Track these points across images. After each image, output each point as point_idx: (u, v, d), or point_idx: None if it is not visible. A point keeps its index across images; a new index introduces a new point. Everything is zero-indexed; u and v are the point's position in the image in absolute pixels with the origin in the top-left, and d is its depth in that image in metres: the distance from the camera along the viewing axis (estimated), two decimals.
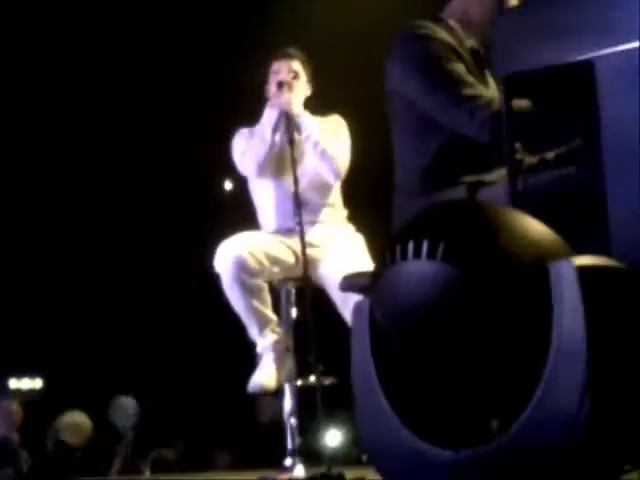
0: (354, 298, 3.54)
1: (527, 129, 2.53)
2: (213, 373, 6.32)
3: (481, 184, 2.59)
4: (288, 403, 4.01)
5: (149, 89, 6.62)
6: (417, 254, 1.86)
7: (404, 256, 1.90)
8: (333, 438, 4.93)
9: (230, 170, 4.46)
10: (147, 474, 6.22)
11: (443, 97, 2.73)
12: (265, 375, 3.91)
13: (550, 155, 2.68)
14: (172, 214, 6.74)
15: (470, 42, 2.94)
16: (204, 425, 6.55)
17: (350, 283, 2.76)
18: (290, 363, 3.96)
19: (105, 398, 6.48)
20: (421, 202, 2.57)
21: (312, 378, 3.95)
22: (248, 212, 4.31)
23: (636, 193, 1.98)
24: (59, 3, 6.27)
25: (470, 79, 2.74)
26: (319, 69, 4.21)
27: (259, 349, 3.94)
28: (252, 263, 3.82)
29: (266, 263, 3.88)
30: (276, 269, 3.94)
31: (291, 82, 4.05)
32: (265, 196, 4.16)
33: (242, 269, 3.82)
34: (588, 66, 2.16)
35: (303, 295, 3.90)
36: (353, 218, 4.20)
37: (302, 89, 4.11)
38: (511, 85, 2.34)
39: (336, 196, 4.17)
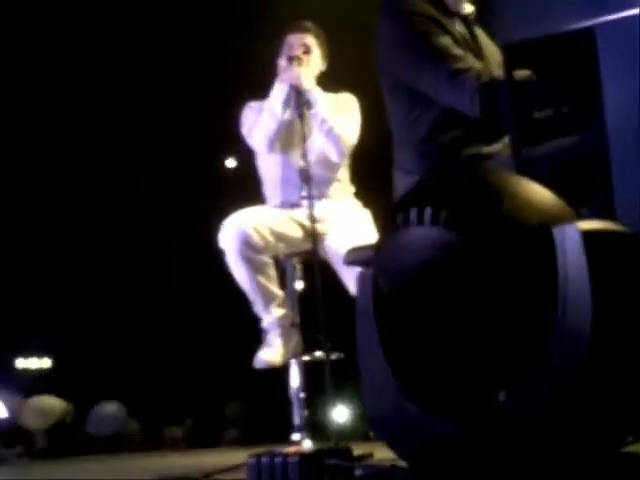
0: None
1: (528, 100, 2.51)
2: (220, 350, 6.32)
3: (481, 157, 2.59)
4: (295, 378, 4.02)
5: (155, 61, 6.60)
6: (420, 220, 1.86)
7: (407, 223, 1.89)
8: (340, 414, 4.93)
9: (234, 147, 4.46)
10: None
11: (431, 73, 2.71)
12: (271, 351, 3.91)
13: (565, 109, 2.64)
14: (176, 192, 6.74)
15: (457, 5, 2.89)
16: (212, 402, 6.57)
17: (354, 257, 2.76)
18: (296, 338, 3.97)
19: (113, 375, 6.52)
20: (419, 177, 2.57)
21: (318, 353, 3.96)
22: (252, 189, 4.31)
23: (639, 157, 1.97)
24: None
25: (457, 52, 2.71)
26: (334, 45, 4.20)
27: (265, 325, 3.94)
28: (257, 239, 3.82)
29: (271, 239, 3.88)
30: (281, 244, 3.94)
31: (302, 57, 4.02)
32: (272, 170, 4.15)
33: (247, 245, 3.82)
34: (589, 34, 2.15)
35: (309, 270, 3.90)
36: (360, 195, 4.19)
37: (314, 64, 4.09)
38: (512, 54, 2.32)
39: (343, 172, 4.17)
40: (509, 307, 1.81)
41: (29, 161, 6.78)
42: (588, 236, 1.78)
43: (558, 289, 1.77)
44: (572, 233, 1.79)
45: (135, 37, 6.50)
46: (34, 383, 6.71)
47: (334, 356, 3.98)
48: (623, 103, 2.10)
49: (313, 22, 4.16)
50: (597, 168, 2.13)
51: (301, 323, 4.00)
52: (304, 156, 3.87)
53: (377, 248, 2.07)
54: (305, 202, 3.97)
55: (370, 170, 4.21)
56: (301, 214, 3.93)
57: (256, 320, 3.96)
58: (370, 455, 3.31)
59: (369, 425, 5.18)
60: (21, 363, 6.92)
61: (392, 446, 2.09)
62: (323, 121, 4.00)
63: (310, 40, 4.09)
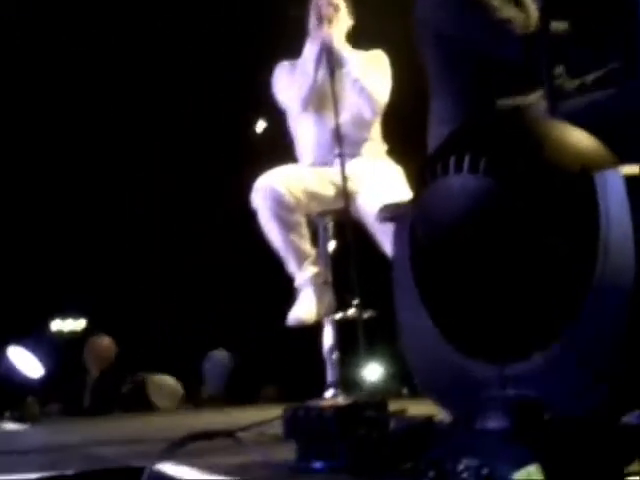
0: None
1: (566, 52, 2.49)
2: (254, 307, 6.37)
3: (517, 108, 2.57)
4: (328, 336, 4.04)
5: (184, 24, 6.59)
6: (459, 168, 1.85)
7: (445, 171, 1.88)
8: (373, 372, 4.96)
9: (265, 108, 4.44)
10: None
11: (479, 25, 2.68)
12: (304, 308, 3.93)
13: (589, 79, 2.64)
14: (208, 153, 6.75)
15: None
16: (249, 359, 6.62)
17: (388, 213, 2.75)
18: (329, 297, 3.98)
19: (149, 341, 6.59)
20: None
21: (351, 312, 3.97)
22: (283, 150, 4.31)
23: None
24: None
25: (496, 2, 2.70)
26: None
27: (298, 283, 3.95)
28: (289, 198, 3.83)
29: (303, 198, 3.89)
30: (314, 203, 3.95)
31: (332, 15, 4.03)
32: (305, 129, 4.15)
33: (279, 204, 3.83)
34: None
35: (342, 228, 3.91)
36: (393, 153, 4.18)
37: (343, 21, 4.09)
38: (550, 3, 2.30)
39: (376, 131, 4.15)
40: (549, 256, 1.80)
41: (56, 145, 6.80)
42: (631, 181, 1.76)
43: (600, 236, 1.76)
44: (614, 178, 1.77)
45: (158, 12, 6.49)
46: (68, 344, 6.79)
47: (367, 314, 4.00)
48: None
49: None
50: (635, 120, 2.11)
51: (334, 281, 4.01)
52: (337, 115, 3.87)
53: (414, 197, 2.06)
54: (337, 161, 3.98)
55: (402, 128, 4.19)
56: (333, 173, 3.93)
57: (290, 279, 3.97)
58: (404, 411, 3.32)
59: (406, 381, 5.23)
60: (56, 325, 6.99)
61: (436, 396, 2.10)
62: (355, 80, 4.01)
63: None
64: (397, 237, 2.16)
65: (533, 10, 2.83)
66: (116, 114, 6.78)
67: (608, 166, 1.81)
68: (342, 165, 3.80)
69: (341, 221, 3.96)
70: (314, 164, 4.07)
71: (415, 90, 3.02)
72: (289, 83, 4.09)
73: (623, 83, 2.36)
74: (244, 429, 3.07)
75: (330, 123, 3.95)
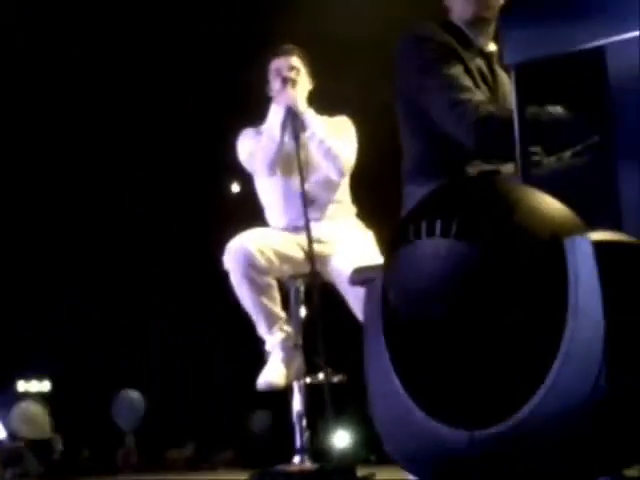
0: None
1: (541, 135, 2.53)
2: (222, 371, 6.32)
3: (498, 173, 2.60)
4: (297, 401, 4.00)
5: (159, 91, 6.64)
6: (430, 232, 1.86)
7: (417, 235, 1.89)
8: (342, 438, 4.91)
9: (236, 172, 4.46)
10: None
11: (436, 102, 2.75)
12: (274, 372, 3.90)
13: (567, 155, 2.67)
14: (181, 214, 6.76)
15: (480, 41, 2.95)
16: (213, 425, 6.55)
17: (360, 277, 2.75)
18: (299, 361, 3.96)
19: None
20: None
21: (321, 376, 3.94)
22: (256, 212, 4.31)
23: None
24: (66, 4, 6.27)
25: (466, 82, 2.76)
26: (327, 69, 4.22)
27: (268, 346, 3.93)
28: (261, 260, 3.82)
29: (275, 260, 3.88)
30: (285, 266, 3.94)
31: (294, 78, 4.05)
32: (273, 194, 4.15)
33: (251, 266, 3.82)
34: (599, 53, 2.16)
35: (313, 292, 3.90)
36: (362, 216, 4.20)
37: (305, 83, 4.11)
38: (522, 75, 2.33)
39: (344, 193, 4.17)
40: (518, 321, 1.81)
41: (37, 171, 6.79)
42: (599, 246, 1.78)
43: (569, 300, 1.77)
44: (583, 244, 1.79)
45: (143, 67, 6.55)
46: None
47: (336, 379, 3.97)
48: (632, 122, 2.11)
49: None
50: (605, 188, 2.14)
51: (305, 345, 3.99)
52: (302, 179, 3.88)
53: (386, 260, 2.07)
54: (309, 224, 3.99)
55: (371, 191, 4.22)
56: (304, 236, 3.93)
57: (259, 342, 3.95)
58: (373, 475, 3.30)
59: (374, 448, 5.19)
60: (22, 386, 6.90)
61: (404, 461, 2.08)
62: (321, 141, 4.01)
63: (296, 61, 4.11)
64: (368, 300, 2.16)
65: (505, 86, 2.89)
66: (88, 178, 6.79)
67: (577, 232, 1.84)
68: (307, 229, 3.79)
69: (313, 285, 3.94)
70: (286, 228, 4.06)
71: (384, 154, 3.07)
72: (255, 148, 4.08)
73: (589, 150, 2.40)
74: None
75: (297, 187, 3.93)
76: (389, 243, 2.08)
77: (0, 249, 6.64)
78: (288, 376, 3.91)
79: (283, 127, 4.01)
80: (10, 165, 6.62)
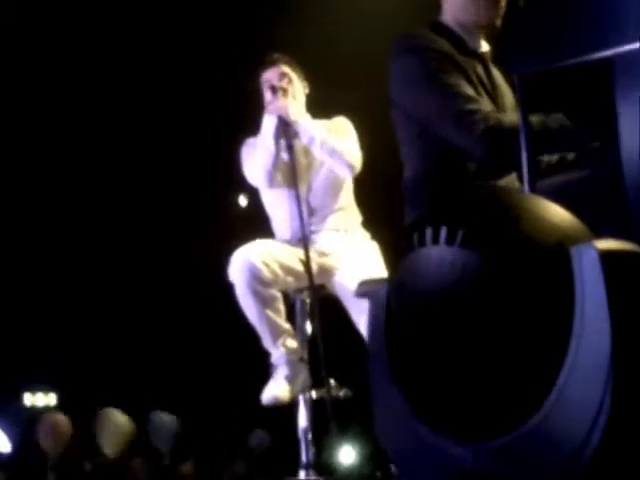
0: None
1: (550, 141, 2.51)
2: (229, 383, 6.31)
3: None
4: (302, 415, 3.98)
5: (167, 103, 6.65)
6: (436, 240, 1.84)
7: (422, 242, 1.88)
8: (347, 454, 4.89)
9: (243, 184, 4.46)
10: None
11: (439, 112, 2.70)
12: (279, 386, 3.86)
13: (570, 156, 2.65)
14: (189, 227, 6.78)
15: (474, 42, 2.90)
16: (220, 436, 6.53)
17: (365, 289, 2.73)
18: (304, 374, 3.92)
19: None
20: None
21: (326, 390, 3.92)
22: (263, 224, 4.30)
23: None
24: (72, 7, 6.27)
25: (469, 91, 2.71)
26: (325, 77, 4.20)
27: (273, 360, 3.90)
28: (266, 273, 3.79)
29: (280, 273, 3.85)
30: (290, 279, 3.91)
31: (285, 87, 4.02)
32: (277, 205, 4.14)
33: (256, 279, 3.79)
34: (606, 65, 2.15)
35: (320, 305, 3.87)
36: (368, 223, 4.17)
37: (298, 90, 4.08)
38: (526, 85, 2.32)
39: (348, 199, 4.14)
40: (524, 331, 1.79)
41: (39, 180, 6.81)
42: (605, 255, 1.76)
43: (575, 309, 1.75)
44: (590, 253, 1.77)
45: (152, 80, 6.56)
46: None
47: (342, 393, 3.95)
48: (638, 134, 2.09)
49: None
50: (611, 197, 2.12)
51: (310, 359, 3.97)
52: (296, 187, 3.86)
53: (391, 268, 2.05)
54: (314, 236, 3.99)
55: (377, 195, 4.20)
56: (309, 250, 3.91)
57: (265, 355, 3.93)
58: None
59: (380, 464, 5.16)
60: (28, 399, 6.91)
61: (408, 474, 2.05)
62: (322, 143, 3.97)
63: (285, 69, 4.08)
64: (372, 312, 2.14)
65: (508, 100, 2.87)
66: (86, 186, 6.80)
67: (583, 240, 1.82)
68: (305, 246, 3.76)
69: (320, 297, 3.92)
70: (292, 240, 4.04)
71: (390, 159, 3.04)
72: (252, 160, 4.07)
73: (600, 163, 2.38)
74: None
75: (301, 197, 3.92)
76: (394, 251, 2.06)
77: (7, 260, 6.65)
78: (293, 390, 3.87)
79: (277, 137, 3.98)
80: (21, 181, 6.65)
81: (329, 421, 3.74)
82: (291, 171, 3.92)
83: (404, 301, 1.96)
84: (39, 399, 6.95)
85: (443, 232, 1.85)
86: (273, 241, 4.10)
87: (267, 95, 4.06)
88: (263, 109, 4.11)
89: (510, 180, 2.67)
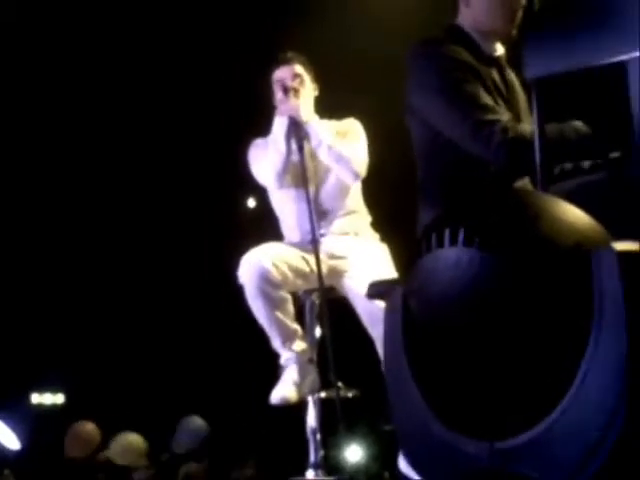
0: (378, 310, 3.59)
1: (566, 150, 2.53)
2: (238, 385, 6.33)
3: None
4: (311, 415, 4.00)
5: (175, 104, 6.68)
6: (454, 241, 1.86)
7: (440, 244, 1.90)
8: (354, 453, 4.91)
9: (252, 186, 4.47)
10: None
11: (457, 122, 2.70)
12: (288, 387, 3.88)
13: (586, 164, 2.66)
14: (197, 229, 6.80)
15: (489, 47, 2.92)
16: (229, 438, 6.55)
17: (377, 290, 2.76)
18: (313, 375, 3.94)
19: (122, 413, 6.51)
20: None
21: (335, 390, 3.94)
22: (272, 227, 4.32)
23: None
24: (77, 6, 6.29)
25: (488, 101, 2.71)
26: (336, 78, 4.21)
27: (282, 361, 3.92)
28: (275, 275, 3.80)
29: (289, 275, 3.86)
30: (299, 281, 3.93)
31: (297, 87, 4.02)
32: (286, 207, 4.15)
33: (265, 281, 3.80)
34: (620, 68, 2.17)
35: (330, 306, 3.89)
36: (377, 225, 4.18)
37: (309, 92, 4.08)
38: (541, 90, 2.34)
39: (358, 201, 4.14)
40: (542, 331, 1.81)
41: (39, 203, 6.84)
42: (625, 257, 1.78)
43: (593, 311, 1.77)
44: (608, 255, 1.79)
45: (160, 81, 6.58)
46: (47, 418, 6.72)
47: (350, 394, 3.97)
48: None
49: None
50: (627, 202, 2.14)
51: (319, 360, 3.99)
52: (307, 188, 3.87)
53: (408, 269, 2.07)
54: (323, 239, 4.00)
55: (387, 196, 4.21)
56: (319, 251, 3.92)
57: (274, 356, 3.95)
58: None
59: (388, 464, 5.18)
60: (36, 399, 6.95)
61: (424, 473, 2.07)
62: (329, 148, 3.97)
63: (298, 69, 4.07)
64: (388, 313, 2.16)
65: (523, 105, 2.88)
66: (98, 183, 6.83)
67: (602, 242, 1.83)
68: (315, 247, 3.77)
69: (329, 299, 3.94)
70: (301, 242, 4.05)
71: (400, 162, 3.05)
72: (263, 161, 4.07)
73: (617, 165, 2.40)
74: None
75: (311, 199, 3.92)
76: (408, 252, 2.08)
77: (17, 260, 6.68)
78: (301, 391, 3.89)
79: (288, 137, 3.98)
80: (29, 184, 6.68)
81: (337, 421, 3.76)
82: (300, 172, 3.93)
83: (422, 302, 1.98)
84: (47, 398, 6.98)
85: (461, 233, 1.87)
86: (282, 243, 4.11)
87: (278, 94, 4.06)
88: (273, 107, 4.13)
89: (524, 184, 2.69)
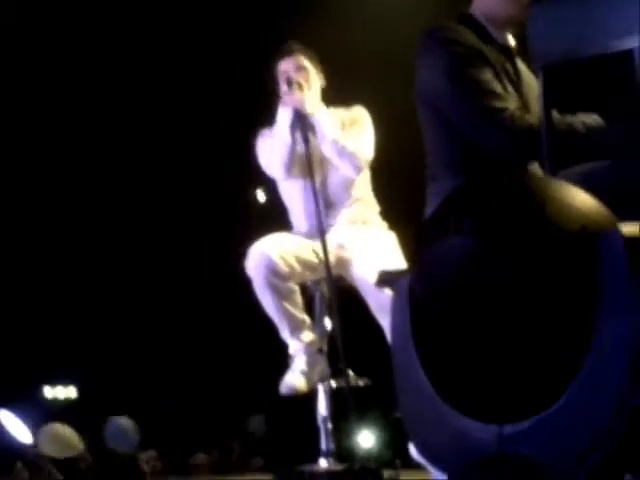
0: (387, 299, 3.60)
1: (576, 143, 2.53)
2: (246, 375, 6.35)
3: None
4: (321, 405, 4.02)
5: (185, 97, 6.69)
6: (459, 228, 1.88)
7: (446, 231, 1.91)
8: (366, 439, 4.94)
9: (260, 178, 4.48)
10: None
11: (468, 109, 2.70)
12: (297, 377, 3.90)
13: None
14: (206, 221, 6.82)
15: (501, 36, 2.92)
16: (237, 430, 6.59)
17: (386, 279, 2.77)
18: (322, 365, 3.96)
19: (141, 406, 6.55)
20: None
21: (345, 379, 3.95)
22: (280, 218, 4.33)
23: None
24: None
25: (497, 89, 2.71)
26: (343, 67, 4.20)
27: (291, 351, 3.94)
28: (282, 266, 3.82)
29: (296, 266, 3.87)
30: (307, 272, 3.93)
31: (301, 80, 4.00)
32: (294, 198, 4.15)
33: (273, 273, 3.81)
34: (627, 56, 2.17)
35: (338, 296, 3.90)
36: (386, 215, 4.19)
37: (314, 83, 4.06)
38: (549, 77, 2.34)
39: (365, 190, 4.14)
40: (550, 316, 1.82)
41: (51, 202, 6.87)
42: (632, 241, 1.78)
43: (600, 298, 1.77)
44: (616, 238, 1.79)
45: (169, 73, 6.59)
46: (60, 411, 6.76)
47: (361, 382, 3.99)
48: None
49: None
50: (633, 192, 2.15)
51: (329, 349, 4.01)
52: (313, 179, 3.86)
53: (414, 256, 2.08)
54: (330, 228, 4.01)
55: (395, 185, 4.21)
56: (326, 242, 3.93)
57: (283, 346, 3.97)
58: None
59: (399, 452, 5.19)
60: (48, 392, 7.00)
61: (432, 457, 2.09)
62: (333, 142, 3.97)
63: (302, 60, 4.07)
64: (395, 300, 2.17)
65: (533, 95, 2.89)
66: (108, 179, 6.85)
67: (609, 226, 1.83)
68: (322, 236, 3.78)
69: (338, 289, 3.94)
70: (309, 232, 4.06)
71: (403, 149, 3.06)
72: (269, 152, 4.07)
73: (619, 153, 2.40)
74: None
75: (316, 189, 3.90)
76: (416, 239, 2.09)
77: (26, 255, 6.71)
78: (311, 380, 3.91)
79: (293, 129, 3.98)
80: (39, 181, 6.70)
81: (348, 409, 3.78)
82: (307, 163, 3.93)
83: (429, 288, 1.99)
84: (59, 392, 7.03)
85: (467, 220, 1.88)
86: (290, 234, 4.12)
87: (282, 86, 4.05)
88: (277, 98, 4.12)
89: (532, 168, 2.69)
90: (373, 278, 2.92)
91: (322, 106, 4.07)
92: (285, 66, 4.08)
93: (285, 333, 3.94)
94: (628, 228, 1.84)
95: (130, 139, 6.83)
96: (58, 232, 6.85)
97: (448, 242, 1.91)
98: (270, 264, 3.80)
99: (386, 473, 3.63)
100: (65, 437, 6.22)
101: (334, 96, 4.15)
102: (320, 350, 3.96)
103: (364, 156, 4.04)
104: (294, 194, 4.15)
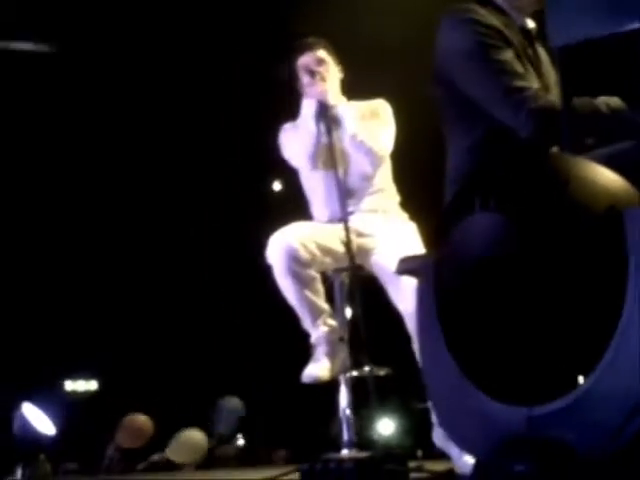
0: (408, 287, 3.60)
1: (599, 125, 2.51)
2: (269, 366, 6.37)
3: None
4: (343, 394, 4.01)
5: (199, 89, 6.70)
6: (485, 207, 1.86)
7: (471, 209, 1.90)
8: (387, 426, 4.95)
9: (279, 170, 4.48)
10: None
11: (489, 88, 2.67)
12: (319, 366, 3.89)
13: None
14: (225, 211, 6.83)
15: (521, 19, 2.90)
16: (262, 421, 6.60)
17: (406, 266, 2.76)
18: (344, 353, 3.96)
19: (158, 399, 6.57)
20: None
21: (367, 369, 3.95)
22: (299, 208, 4.33)
23: None
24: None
25: (518, 68, 2.68)
26: (361, 58, 4.22)
27: (313, 340, 3.93)
28: (304, 254, 3.82)
29: (318, 253, 3.88)
30: (328, 259, 3.94)
31: (322, 72, 4.08)
32: (316, 188, 4.18)
33: (294, 260, 3.81)
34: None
35: (357, 286, 3.90)
36: (406, 204, 4.19)
37: (334, 75, 4.14)
38: (567, 58, 2.33)
39: (386, 180, 4.17)
40: (577, 295, 1.81)
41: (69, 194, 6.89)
42: None
43: (629, 274, 1.76)
44: None
45: (183, 65, 6.59)
46: (81, 404, 6.81)
47: (382, 372, 3.98)
48: None
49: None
50: None
51: (350, 339, 4.00)
52: (336, 169, 3.91)
53: (439, 235, 2.07)
54: (351, 217, 4.01)
55: (415, 176, 4.21)
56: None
57: (305, 336, 3.97)
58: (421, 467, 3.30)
59: (420, 442, 5.19)
60: (69, 385, 7.05)
61: (460, 440, 2.08)
62: (352, 137, 4.03)
63: (322, 53, 4.14)
64: (420, 283, 2.16)
65: (551, 78, 2.86)
66: (125, 178, 6.86)
67: (635, 203, 1.82)
68: (345, 224, 3.80)
69: (358, 277, 3.94)
70: (330, 221, 4.07)
71: (430, 140, 3.04)
72: (295, 143, 4.13)
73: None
74: None
75: (339, 178, 3.96)
76: (441, 219, 2.07)
77: (49, 250, 6.74)
78: (333, 369, 3.90)
79: (318, 120, 4.04)
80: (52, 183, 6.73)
81: (369, 399, 3.77)
82: (330, 154, 3.97)
83: (454, 269, 1.98)
84: (80, 385, 7.08)
85: (492, 198, 1.86)
86: (310, 222, 4.14)
87: (305, 79, 4.12)
88: (299, 93, 4.18)
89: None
90: (393, 266, 2.91)
91: (342, 99, 4.12)
92: (305, 60, 4.15)
93: (306, 322, 3.93)
94: None
95: (138, 134, 6.84)
96: (79, 226, 6.87)
97: (474, 220, 1.90)
98: (291, 250, 3.81)
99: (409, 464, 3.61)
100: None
101: (354, 88, 4.18)
102: (341, 339, 3.96)
103: (382, 151, 4.09)
104: (316, 184, 4.17)
